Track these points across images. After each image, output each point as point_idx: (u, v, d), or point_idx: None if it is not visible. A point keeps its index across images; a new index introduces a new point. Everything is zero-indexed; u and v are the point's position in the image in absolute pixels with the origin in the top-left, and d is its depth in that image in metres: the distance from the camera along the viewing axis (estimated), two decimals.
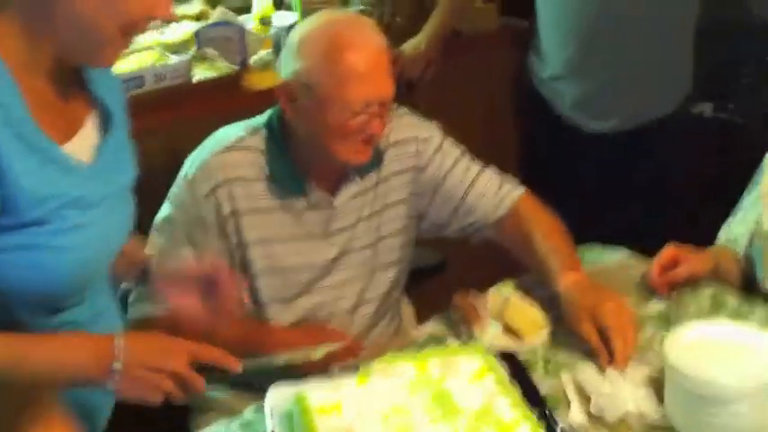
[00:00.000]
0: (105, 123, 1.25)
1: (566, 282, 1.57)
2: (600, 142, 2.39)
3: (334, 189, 1.66)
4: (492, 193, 1.76)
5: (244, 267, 1.62)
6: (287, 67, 1.59)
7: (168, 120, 2.14)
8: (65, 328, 1.21)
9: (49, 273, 1.13)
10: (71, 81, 1.21)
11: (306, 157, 1.62)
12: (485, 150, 2.75)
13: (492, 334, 1.55)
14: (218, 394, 1.66)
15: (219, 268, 1.35)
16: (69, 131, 1.19)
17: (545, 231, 1.69)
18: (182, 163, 1.69)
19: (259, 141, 1.63)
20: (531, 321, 1.56)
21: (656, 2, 2.26)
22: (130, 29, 1.13)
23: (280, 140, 1.62)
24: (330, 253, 1.67)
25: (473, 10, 2.64)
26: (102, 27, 1.10)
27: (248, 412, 1.43)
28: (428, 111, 2.54)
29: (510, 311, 1.57)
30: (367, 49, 1.54)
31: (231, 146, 1.62)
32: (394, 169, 1.72)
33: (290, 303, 1.65)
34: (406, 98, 2.49)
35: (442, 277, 1.78)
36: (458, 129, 2.71)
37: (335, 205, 1.65)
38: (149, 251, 1.55)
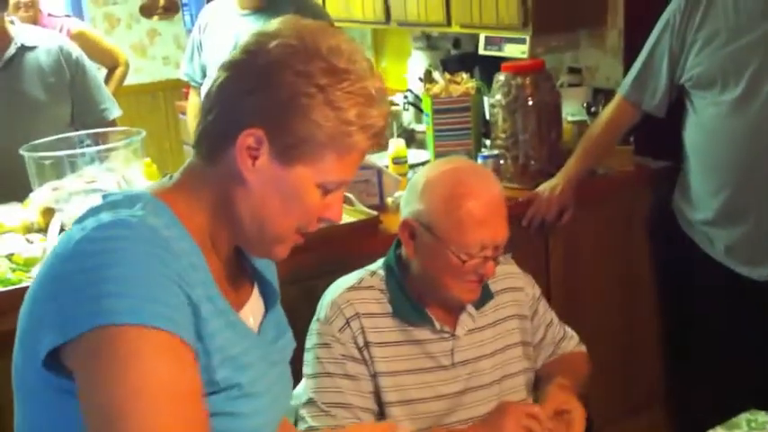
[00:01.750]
0: (266, 296, 1.26)
1: (557, 383, 1.71)
2: (758, 291, 2.29)
3: (453, 322, 1.73)
4: (567, 350, 1.89)
5: (378, 398, 1.68)
6: (410, 205, 1.71)
7: (309, 263, 2.15)
8: None
9: None
10: (237, 254, 1.23)
11: (422, 292, 1.71)
12: (621, 297, 2.70)
13: None
14: None
15: None
16: (239, 302, 1.21)
17: (566, 368, 1.82)
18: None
19: (378, 282, 1.73)
20: None
21: None
22: (305, 228, 1.15)
23: (399, 278, 1.72)
24: (456, 386, 1.71)
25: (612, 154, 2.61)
26: (282, 227, 1.13)
27: None
28: (563, 255, 2.53)
29: None
30: (485, 197, 1.64)
31: (353, 286, 1.72)
32: (508, 313, 1.80)
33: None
34: (539, 241, 2.48)
35: None
36: (594, 274, 2.66)
37: (458, 334, 1.72)
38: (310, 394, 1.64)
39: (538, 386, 1.82)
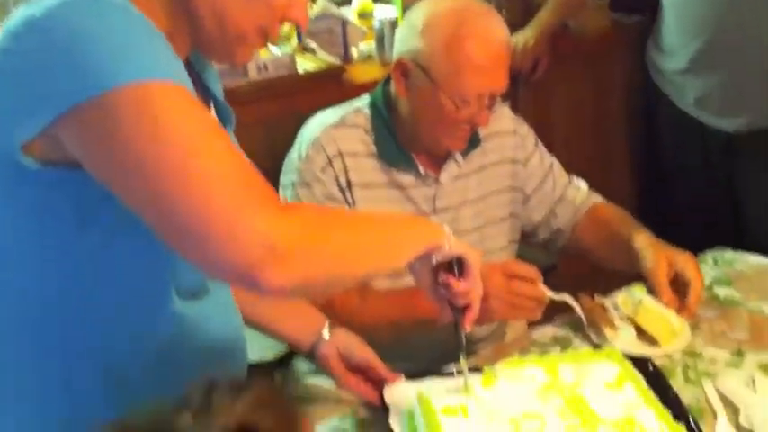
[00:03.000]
0: (223, 119, 1.19)
1: (643, 238, 1.58)
2: (725, 142, 2.27)
3: (438, 167, 1.65)
4: (578, 200, 1.76)
5: None
6: (406, 43, 1.57)
7: (272, 112, 2.09)
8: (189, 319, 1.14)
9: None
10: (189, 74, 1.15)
11: (410, 136, 1.62)
12: (594, 150, 2.68)
13: (625, 339, 1.44)
14: (324, 382, 1.58)
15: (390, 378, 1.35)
16: None
17: (618, 219, 1.71)
18: (282, 155, 1.68)
19: (363, 121, 1.63)
20: (668, 326, 1.44)
21: None
22: (268, 29, 1.07)
23: (385, 119, 1.62)
24: None
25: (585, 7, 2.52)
26: (244, 24, 1.04)
27: (362, 410, 1.35)
28: (535, 109, 2.48)
29: (644, 315, 1.45)
30: (490, 42, 1.53)
31: (337, 124, 1.63)
32: (495, 159, 1.70)
33: (396, 279, 1.58)
34: (511, 94, 2.41)
35: (553, 280, 1.70)
36: (565, 128, 2.64)
37: (441, 182, 1.64)
38: None
39: (589, 251, 1.73)
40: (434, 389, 1.29)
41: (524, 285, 1.45)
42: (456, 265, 1.17)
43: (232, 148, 0.96)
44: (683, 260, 1.51)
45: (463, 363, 1.25)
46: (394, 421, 1.27)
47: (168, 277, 1.06)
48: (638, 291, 1.52)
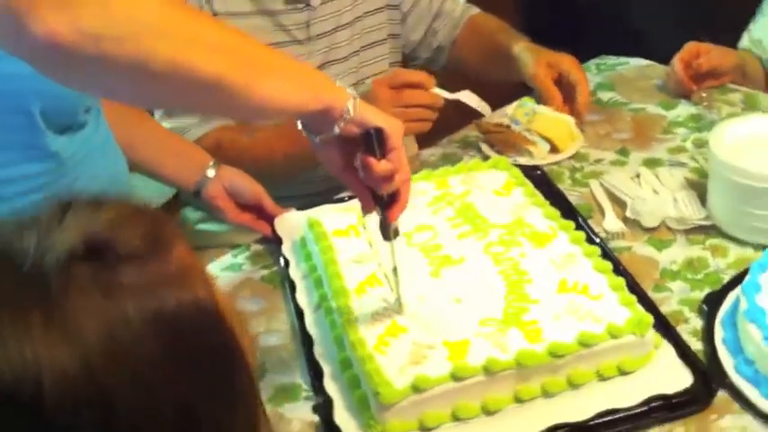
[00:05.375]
0: None
1: (523, 44, 1.55)
2: None
3: None
4: (457, 12, 1.69)
5: None
6: None
7: None
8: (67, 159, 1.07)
9: None
10: None
11: None
12: None
13: (544, 150, 1.42)
14: (217, 228, 1.54)
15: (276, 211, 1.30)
16: None
17: (497, 28, 1.67)
18: None
19: None
20: (566, 130, 1.44)
21: None
22: None
23: None
24: (314, 61, 1.54)
25: None
26: None
27: (254, 244, 1.32)
28: None
29: (540, 123, 1.44)
30: None
31: None
32: None
33: None
34: None
35: None
36: None
37: (313, 5, 1.52)
38: None
39: (466, 64, 1.68)
40: (325, 214, 1.27)
41: (417, 93, 1.35)
42: (376, 142, 0.94)
43: None
44: (566, 62, 1.50)
45: (394, 269, 1.04)
46: (287, 249, 1.25)
47: (34, 110, 0.98)
48: (528, 101, 1.50)
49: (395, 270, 1.04)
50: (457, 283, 1.10)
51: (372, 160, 0.93)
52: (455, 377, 0.94)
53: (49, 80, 0.79)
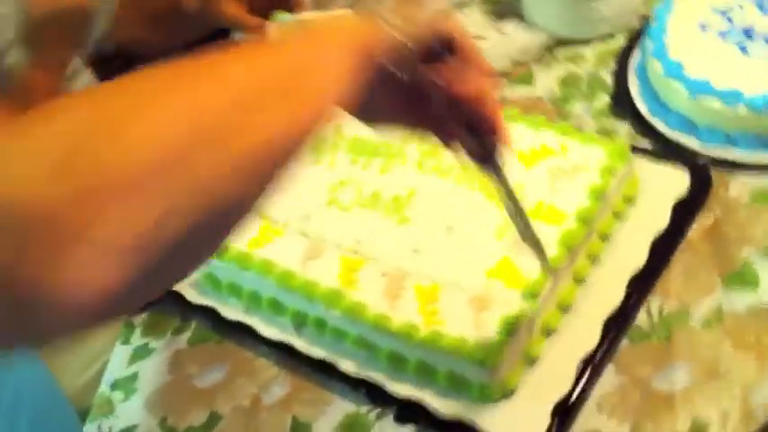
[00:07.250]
0: None
1: None
2: None
3: None
4: None
5: None
6: None
7: None
8: None
9: None
10: None
11: None
12: None
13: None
14: None
15: None
16: None
17: None
18: None
19: None
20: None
21: None
22: None
23: None
24: None
25: None
26: None
27: (137, 318, 1.05)
28: None
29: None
30: None
31: None
32: None
33: None
34: None
35: None
36: None
37: None
38: None
39: None
40: None
41: None
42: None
43: None
44: None
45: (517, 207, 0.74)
46: (194, 297, 1.00)
47: None
48: (282, 16, 1.32)
49: (518, 208, 0.73)
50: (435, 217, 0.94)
51: (441, 68, 0.65)
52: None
53: None
